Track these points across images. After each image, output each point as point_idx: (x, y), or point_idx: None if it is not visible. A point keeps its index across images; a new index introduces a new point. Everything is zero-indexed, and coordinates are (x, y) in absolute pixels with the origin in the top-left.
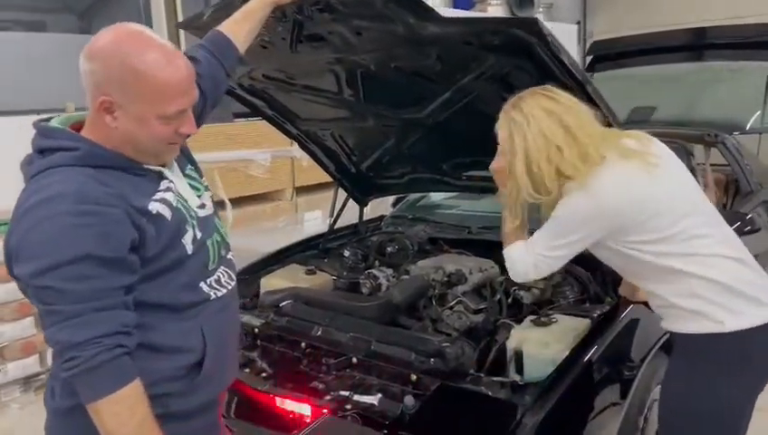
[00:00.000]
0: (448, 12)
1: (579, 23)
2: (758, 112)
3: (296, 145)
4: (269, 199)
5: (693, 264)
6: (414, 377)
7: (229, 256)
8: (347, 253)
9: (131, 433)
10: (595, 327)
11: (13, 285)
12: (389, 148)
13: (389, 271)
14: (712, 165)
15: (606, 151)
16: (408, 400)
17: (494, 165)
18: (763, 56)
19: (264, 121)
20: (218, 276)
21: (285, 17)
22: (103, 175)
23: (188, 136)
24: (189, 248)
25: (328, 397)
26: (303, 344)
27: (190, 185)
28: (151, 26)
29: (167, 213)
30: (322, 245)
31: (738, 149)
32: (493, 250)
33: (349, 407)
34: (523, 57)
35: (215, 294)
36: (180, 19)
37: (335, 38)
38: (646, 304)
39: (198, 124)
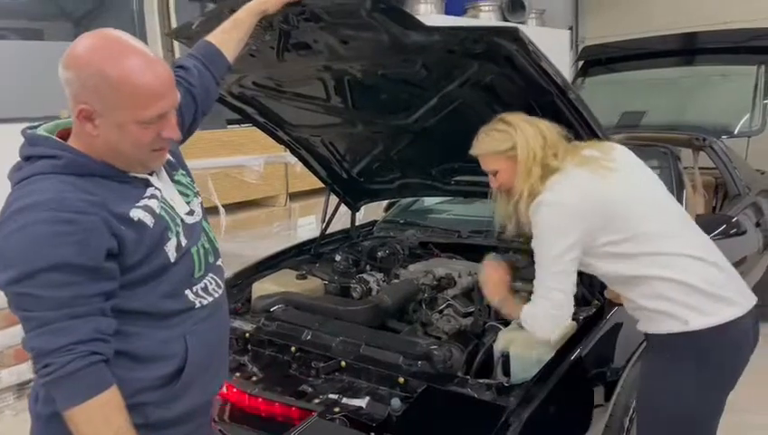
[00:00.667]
0: (432, 20)
1: (571, 28)
2: (746, 116)
3: (289, 151)
4: (263, 205)
5: (655, 265)
6: (401, 380)
7: (218, 263)
8: (338, 258)
9: None
10: (581, 329)
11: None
12: (379, 153)
13: (380, 275)
14: (701, 168)
15: (564, 163)
16: (395, 402)
17: (495, 184)
18: (751, 60)
19: (256, 128)
20: (205, 284)
21: (272, 26)
22: (85, 183)
23: (173, 140)
24: (172, 256)
25: (317, 400)
26: (293, 349)
27: (179, 191)
28: (145, 34)
29: (148, 220)
30: (314, 250)
31: (726, 153)
32: (482, 254)
33: (337, 410)
34: (505, 65)
35: (200, 302)
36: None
37: (321, 47)
38: None
39: (190, 132)
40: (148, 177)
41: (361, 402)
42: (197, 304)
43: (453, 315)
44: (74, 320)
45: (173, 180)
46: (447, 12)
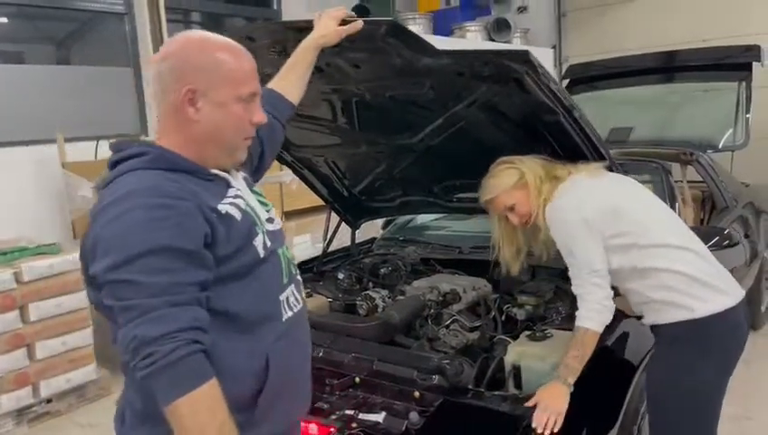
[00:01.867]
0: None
1: (554, 47)
2: (730, 131)
3: (285, 170)
4: None
5: (662, 258)
6: (417, 394)
7: (298, 277)
8: (341, 275)
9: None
10: None
11: (5, 317)
12: (382, 172)
13: (385, 292)
14: (688, 182)
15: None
16: (413, 416)
17: (517, 219)
18: (732, 77)
19: None
20: (287, 296)
21: (286, 52)
22: (175, 176)
23: (260, 126)
24: (261, 252)
25: (333, 416)
26: None
27: (258, 201)
28: (138, 57)
29: (236, 214)
30: (317, 268)
31: (713, 167)
32: (483, 269)
33: (354, 425)
34: (514, 86)
35: (285, 314)
36: None
37: (333, 70)
38: (638, 317)
39: (259, 171)
40: (229, 177)
41: (378, 417)
42: (283, 317)
43: (459, 330)
44: (175, 308)
45: (251, 191)
46: (435, 33)
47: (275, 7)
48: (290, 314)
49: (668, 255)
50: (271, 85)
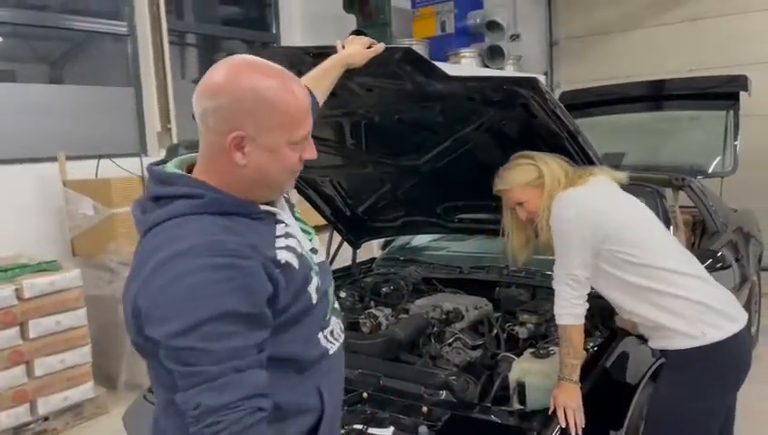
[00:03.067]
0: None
1: (546, 73)
2: (719, 157)
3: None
4: None
5: (671, 283)
6: (425, 409)
7: (337, 306)
8: (343, 294)
9: None
10: (590, 358)
11: (5, 334)
12: (386, 192)
13: (388, 310)
14: (681, 207)
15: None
16: (422, 430)
17: (524, 215)
18: (719, 106)
19: None
20: (332, 327)
21: (300, 75)
22: (229, 222)
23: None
24: (314, 298)
25: (342, 431)
26: None
27: (301, 229)
28: (140, 78)
29: (294, 262)
30: None
31: (703, 192)
32: (484, 289)
33: None
34: (521, 111)
35: (331, 347)
36: (169, 71)
37: (345, 93)
38: (640, 336)
39: None
40: (277, 210)
41: (387, 432)
42: (330, 350)
43: (462, 348)
44: (239, 374)
45: (295, 217)
46: (431, 59)
47: (274, 31)
48: (336, 345)
49: (679, 281)
50: (307, 82)
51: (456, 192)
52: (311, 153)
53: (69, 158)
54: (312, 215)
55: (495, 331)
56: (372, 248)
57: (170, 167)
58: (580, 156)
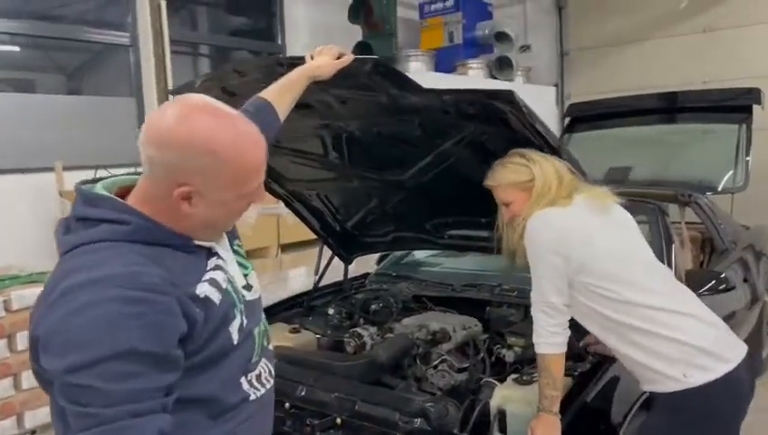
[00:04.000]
0: (422, 77)
1: (557, 85)
2: (730, 173)
3: (282, 203)
4: (253, 257)
5: (650, 322)
6: None
7: (270, 347)
8: (331, 311)
9: None
10: (577, 385)
11: None
12: (373, 207)
13: (374, 329)
14: (687, 223)
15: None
16: None
17: (508, 216)
18: (732, 119)
19: None
20: (260, 371)
21: None
22: (153, 252)
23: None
24: (235, 338)
25: None
26: (287, 405)
27: (238, 262)
28: (141, 89)
29: (215, 297)
30: (307, 303)
31: (712, 209)
32: (476, 308)
33: None
34: (500, 125)
35: (254, 393)
36: (170, 82)
37: (321, 106)
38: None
39: None
40: (213, 244)
41: None
42: (252, 396)
43: (447, 371)
44: (137, 419)
45: (233, 250)
46: (437, 69)
47: (279, 42)
48: (261, 391)
49: (664, 319)
50: (268, 93)
51: (445, 208)
52: (260, 198)
53: (66, 168)
54: (301, 230)
55: (482, 354)
56: (371, 263)
57: (99, 187)
58: None
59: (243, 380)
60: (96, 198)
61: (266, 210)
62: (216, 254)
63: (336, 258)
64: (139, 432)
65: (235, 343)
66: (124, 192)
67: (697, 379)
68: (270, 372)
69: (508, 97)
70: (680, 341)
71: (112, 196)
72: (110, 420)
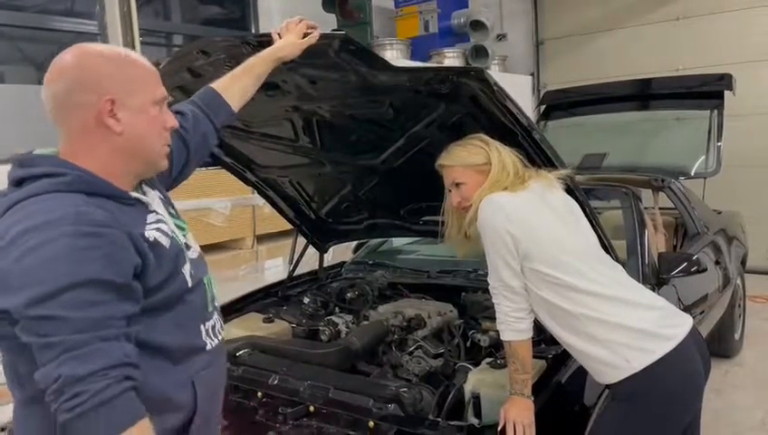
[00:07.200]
0: (398, 62)
1: (532, 74)
2: (702, 158)
3: (257, 193)
4: (229, 248)
5: (588, 308)
6: (371, 424)
7: (217, 304)
8: (306, 300)
9: None
10: (550, 368)
11: None
12: (347, 194)
13: (349, 317)
14: (661, 208)
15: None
16: None
17: (457, 199)
18: (703, 105)
19: (224, 170)
20: (214, 322)
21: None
22: (97, 202)
23: (173, 131)
24: (189, 281)
25: None
26: (260, 394)
27: (176, 224)
28: None
29: (164, 241)
30: (282, 292)
31: (685, 194)
32: (451, 294)
33: None
34: (471, 105)
35: (210, 343)
36: None
37: (290, 87)
38: None
39: (181, 176)
40: (149, 201)
41: None
42: (208, 346)
43: (423, 357)
44: (104, 343)
45: (169, 213)
46: (413, 58)
47: (253, 30)
48: (215, 342)
49: (601, 306)
50: (220, 82)
51: (418, 193)
52: (172, 121)
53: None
54: (277, 220)
55: (457, 339)
56: (347, 253)
57: (36, 151)
58: (538, 154)
59: (201, 327)
60: (36, 157)
61: (241, 201)
62: (154, 211)
63: (311, 247)
64: (106, 355)
65: (190, 285)
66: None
67: (641, 361)
68: (221, 325)
69: (478, 74)
70: (620, 325)
71: (51, 153)
72: (77, 346)
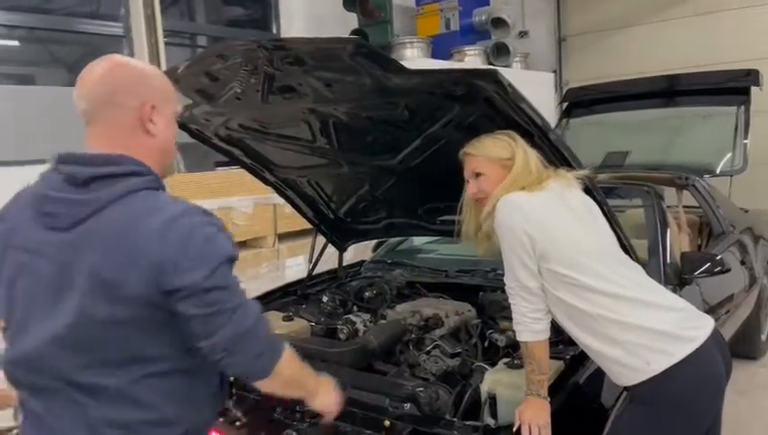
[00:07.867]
0: (418, 64)
1: (555, 71)
2: (728, 155)
3: (276, 193)
4: (250, 247)
5: (607, 309)
6: (387, 423)
7: None
8: (325, 298)
9: (303, 375)
10: (568, 368)
11: None
12: (365, 193)
13: (367, 316)
14: (685, 207)
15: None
16: None
17: (475, 190)
18: (730, 102)
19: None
20: None
21: (257, 70)
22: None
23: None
24: None
25: None
26: None
27: None
28: None
29: None
30: (301, 291)
31: (709, 192)
32: (469, 293)
33: None
34: (486, 106)
35: None
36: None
37: (306, 89)
38: None
39: None
40: None
41: None
42: None
43: (440, 356)
44: (248, 302)
45: None
46: (434, 57)
47: (274, 31)
48: None
49: (621, 308)
50: None
51: (436, 193)
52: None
53: None
54: (298, 218)
55: (474, 339)
56: (367, 251)
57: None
58: (554, 155)
59: None
60: (108, 157)
61: (263, 200)
62: None
63: (330, 246)
64: (252, 309)
65: None
66: None
67: (660, 364)
68: None
69: (492, 76)
70: (639, 326)
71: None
72: (237, 307)
